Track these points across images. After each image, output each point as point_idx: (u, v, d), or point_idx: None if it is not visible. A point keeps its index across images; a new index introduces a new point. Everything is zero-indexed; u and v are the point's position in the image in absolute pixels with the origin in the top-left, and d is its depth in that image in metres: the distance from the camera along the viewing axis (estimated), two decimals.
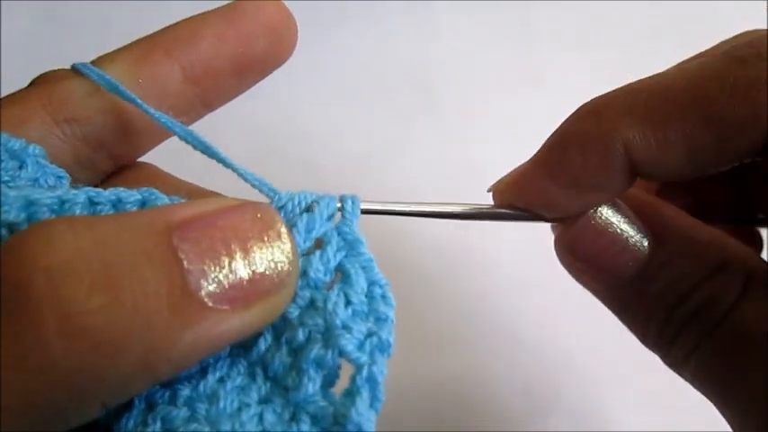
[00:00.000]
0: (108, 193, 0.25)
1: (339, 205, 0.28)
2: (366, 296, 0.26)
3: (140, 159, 0.35)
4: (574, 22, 0.75)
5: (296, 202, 0.28)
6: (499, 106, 0.68)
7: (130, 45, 0.32)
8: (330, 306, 0.25)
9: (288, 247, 0.24)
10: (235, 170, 0.29)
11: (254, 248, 0.23)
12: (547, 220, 0.33)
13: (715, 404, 0.31)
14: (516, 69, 0.72)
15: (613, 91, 0.30)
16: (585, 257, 0.32)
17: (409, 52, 0.73)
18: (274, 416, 0.25)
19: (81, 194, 0.25)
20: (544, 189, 0.31)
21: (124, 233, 0.21)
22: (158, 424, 0.24)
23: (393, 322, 0.26)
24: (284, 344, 0.26)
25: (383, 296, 0.27)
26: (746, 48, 0.29)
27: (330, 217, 0.28)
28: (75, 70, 0.31)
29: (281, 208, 0.27)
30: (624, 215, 0.32)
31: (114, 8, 0.73)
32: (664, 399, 0.54)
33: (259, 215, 0.24)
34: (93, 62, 0.32)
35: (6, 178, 0.27)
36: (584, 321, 0.56)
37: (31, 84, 0.31)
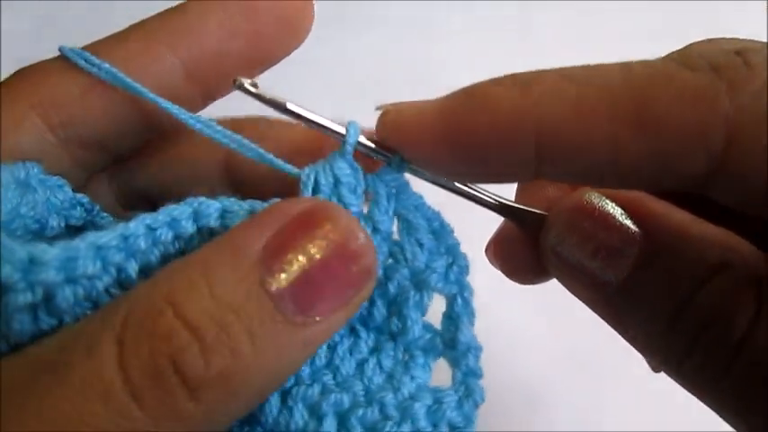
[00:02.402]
0: (162, 217, 0.26)
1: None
2: (430, 232, 0.29)
3: None
4: (574, 22, 0.75)
5: (324, 172, 0.28)
6: None
7: (128, 34, 0.30)
8: (409, 255, 0.28)
9: (365, 244, 0.26)
10: (261, 157, 0.30)
11: (336, 259, 0.25)
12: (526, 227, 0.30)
13: (734, 427, 0.27)
14: (516, 69, 0.72)
15: (550, 70, 0.27)
16: (570, 262, 0.29)
17: (409, 52, 0.73)
18: (391, 360, 0.28)
19: (140, 226, 0.26)
20: (434, 139, 0.27)
21: (222, 293, 0.23)
22: (300, 405, 0.26)
23: (460, 243, 0.29)
24: (377, 298, 0.29)
25: (442, 226, 0.29)
26: (698, 57, 0.25)
27: (354, 164, 0.29)
28: (64, 58, 0.28)
29: (316, 185, 0.28)
30: (610, 211, 0.28)
31: (115, 8, 0.73)
32: (665, 399, 0.54)
33: (329, 224, 0.25)
34: (86, 48, 0.29)
35: (31, 212, 0.28)
36: (585, 321, 0.56)
37: (15, 78, 0.29)
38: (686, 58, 0.25)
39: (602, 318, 0.29)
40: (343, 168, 0.28)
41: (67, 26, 0.73)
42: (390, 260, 0.29)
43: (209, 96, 0.32)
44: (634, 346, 0.29)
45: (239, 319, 0.23)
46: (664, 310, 0.26)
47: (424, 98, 0.75)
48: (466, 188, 0.30)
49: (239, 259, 0.24)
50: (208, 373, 0.23)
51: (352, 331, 0.29)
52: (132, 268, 0.26)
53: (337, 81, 0.72)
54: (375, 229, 0.29)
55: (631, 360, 0.52)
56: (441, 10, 0.76)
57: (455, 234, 0.29)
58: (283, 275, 0.24)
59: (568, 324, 0.58)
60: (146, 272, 0.26)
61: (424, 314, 0.29)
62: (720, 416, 0.27)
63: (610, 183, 0.26)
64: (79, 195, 0.30)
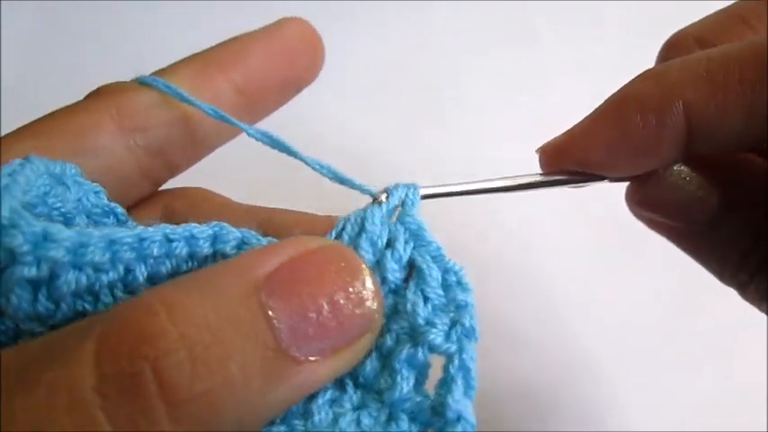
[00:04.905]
0: (182, 230, 0.26)
1: (402, 195, 0.29)
2: (442, 286, 0.27)
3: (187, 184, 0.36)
4: (574, 22, 0.75)
5: (353, 222, 0.28)
6: (499, 106, 0.68)
7: (187, 60, 0.34)
8: (410, 307, 0.26)
9: (372, 291, 0.25)
10: (316, 168, 0.31)
11: (341, 300, 0.24)
12: (605, 179, 0.32)
13: None
14: (517, 69, 0.72)
15: (673, 60, 0.31)
16: (657, 211, 0.33)
17: (409, 52, 0.73)
18: (371, 419, 0.25)
19: (158, 233, 0.25)
20: (596, 147, 0.31)
21: (219, 305, 0.22)
22: None
23: (473, 306, 0.27)
24: (373, 350, 0.27)
25: (459, 282, 0.27)
26: None
27: (384, 219, 0.28)
28: (139, 83, 0.33)
29: (341, 231, 0.28)
30: (692, 169, 0.32)
31: (114, 9, 0.73)
32: (663, 399, 0.54)
33: (343, 264, 0.25)
34: (153, 74, 0.33)
35: (58, 204, 0.27)
36: (583, 321, 0.56)
37: (95, 93, 0.33)
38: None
39: (683, 250, 0.34)
40: (373, 221, 0.28)
41: (67, 26, 0.73)
42: (393, 311, 0.27)
43: (254, 114, 0.35)
44: (707, 268, 0.34)
45: (235, 335, 0.22)
46: (740, 247, 0.31)
47: (423, 98, 0.75)
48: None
49: (244, 278, 0.23)
50: (191, 388, 0.21)
51: (339, 385, 0.27)
52: (141, 272, 0.25)
53: (337, 81, 0.72)
54: (383, 279, 0.27)
55: (630, 361, 0.52)
56: (441, 10, 0.76)
57: (471, 296, 0.27)
58: (285, 305, 0.23)
59: (568, 325, 0.58)
60: (153, 281, 0.25)
61: (422, 378, 0.26)
62: None
63: (747, 141, 0.29)
64: (113, 204, 0.29)
